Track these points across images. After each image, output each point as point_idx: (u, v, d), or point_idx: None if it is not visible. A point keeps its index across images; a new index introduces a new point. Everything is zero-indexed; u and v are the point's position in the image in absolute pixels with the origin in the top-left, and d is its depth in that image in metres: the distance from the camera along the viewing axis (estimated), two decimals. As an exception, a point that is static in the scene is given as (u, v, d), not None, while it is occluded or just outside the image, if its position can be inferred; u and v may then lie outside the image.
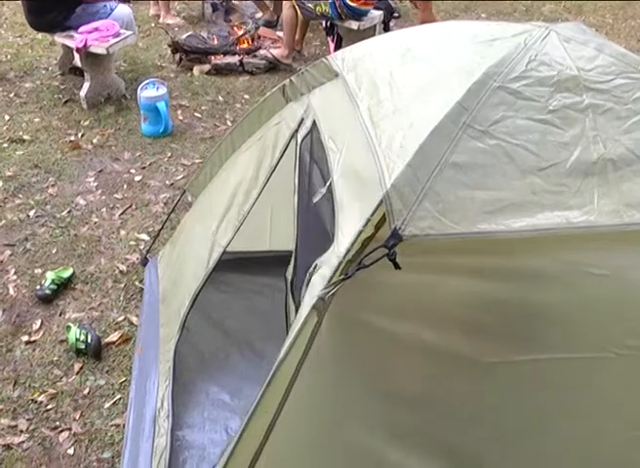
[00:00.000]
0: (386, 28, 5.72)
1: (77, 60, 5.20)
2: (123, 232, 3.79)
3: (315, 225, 1.94)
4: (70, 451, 2.56)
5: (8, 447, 2.58)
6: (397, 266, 1.31)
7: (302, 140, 2.28)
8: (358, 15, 5.50)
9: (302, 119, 2.32)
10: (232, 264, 2.84)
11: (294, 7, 5.63)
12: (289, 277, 2.67)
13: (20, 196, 4.13)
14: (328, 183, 1.77)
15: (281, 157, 2.40)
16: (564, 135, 1.57)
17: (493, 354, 1.49)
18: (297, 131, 2.33)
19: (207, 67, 5.86)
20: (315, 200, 1.89)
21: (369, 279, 1.37)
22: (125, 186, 4.25)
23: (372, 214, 1.39)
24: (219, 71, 5.83)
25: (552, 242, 1.47)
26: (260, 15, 6.66)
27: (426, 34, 2.13)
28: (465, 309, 1.45)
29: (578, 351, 1.54)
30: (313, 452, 1.60)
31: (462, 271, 1.43)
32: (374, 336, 1.45)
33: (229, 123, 5.04)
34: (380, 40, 2.34)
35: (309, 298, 1.40)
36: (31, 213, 3.97)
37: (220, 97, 5.46)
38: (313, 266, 1.48)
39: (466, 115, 1.51)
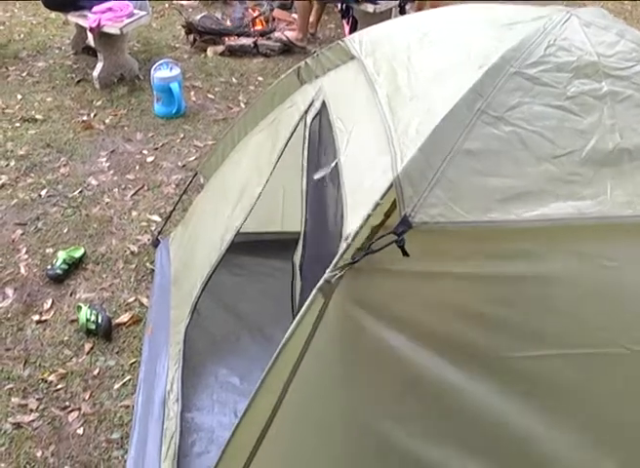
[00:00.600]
0: (402, 11, 5.65)
1: (90, 40, 5.20)
2: (134, 213, 3.79)
3: (324, 208, 1.92)
4: (79, 431, 2.58)
5: (18, 425, 2.59)
6: (405, 253, 1.29)
7: (312, 122, 2.27)
8: (374, -3, 5.45)
9: (313, 100, 2.30)
10: (245, 247, 2.83)
11: (309, -11, 5.59)
12: (297, 261, 2.66)
13: (32, 175, 4.13)
14: (334, 163, 1.75)
15: (289, 139, 2.38)
16: (581, 122, 1.54)
17: (500, 348, 1.47)
18: (306, 112, 2.32)
19: (221, 49, 5.83)
20: (316, 177, 1.87)
21: (376, 265, 1.36)
22: (137, 167, 4.24)
23: (381, 199, 1.37)
24: (232, 53, 5.80)
25: (564, 232, 1.44)
26: (274, -4, 6.62)
27: (444, 18, 2.10)
28: (472, 300, 1.44)
29: (588, 346, 1.51)
30: (319, 433, 1.59)
31: (471, 261, 1.41)
32: (379, 322, 1.44)
33: (243, 105, 5.02)
34: (397, 23, 2.32)
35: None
36: (43, 192, 3.97)
37: (234, 79, 5.43)
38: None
39: (481, 101, 1.48)
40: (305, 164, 2.32)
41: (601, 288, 1.47)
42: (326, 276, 1.36)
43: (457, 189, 1.38)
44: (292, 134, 2.36)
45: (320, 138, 2.12)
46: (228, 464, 1.58)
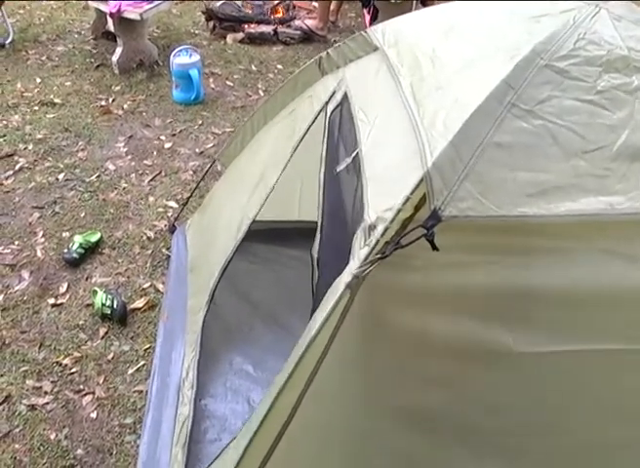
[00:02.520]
0: (424, 2, 5.61)
1: (110, 25, 5.18)
2: (151, 198, 3.79)
3: (342, 199, 1.91)
4: (93, 415, 2.58)
5: (32, 407, 2.61)
6: (435, 247, 1.28)
7: (332, 113, 2.25)
8: (395, -13, 5.40)
9: (334, 92, 2.28)
10: (261, 235, 2.83)
11: (330, -23, 5.56)
12: (315, 254, 2.65)
13: (50, 159, 4.14)
14: (354, 154, 1.73)
15: (308, 129, 2.37)
16: (611, 117, 1.51)
17: (526, 343, 1.45)
18: (327, 103, 2.30)
19: (240, 36, 5.81)
20: (339, 169, 1.85)
21: (405, 259, 1.34)
22: (155, 153, 4.24)
23: (411, 193, 1.35)
24: (252, 40, 5.79)
25: (594, 228, 1.43)
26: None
27: (470, 9, 2.06)
28: (499, 296, 1.42)
29: (611, 343, 1.50)
30: (340, 430, 1.58)
31: (499, 255, 1.40)
32: (405, 317, 1.43)
33: (261, 92, 5.00)
34: (422, 15, 2.28)
35: (345, 276, 1.37)
36: (60, 176, 3.98)
37: (253, 67, 5.42)
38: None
39: (512, 94, 1.46)
40: (324, 155, 2.30)
41: (628, 284, 1.45)
42: (355, 272, 1.35)
43: (486, 183, 1.36)
44: (311, 124, 2.34)
45: (340, 130, 2.10)
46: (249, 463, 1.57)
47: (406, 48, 1.95)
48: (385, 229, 1.36)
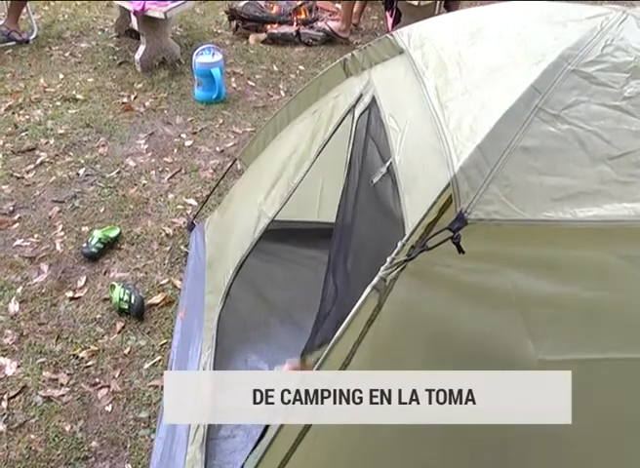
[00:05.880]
0: (447, 6, 5.61)
1: (134, 23, 5.21)
2: (171, 196, 3.81)
3: (374, 205, 1.90)
4: (108, 409, 2.60)
5: (48, 399, 2.62)
6: (461, 250, 1.28)
7: (359, 116, 2.25)
8: (419, -10, 5.40)
9: (361, 94, 2.28)
10: (279, 234, 2.84)
11: (354, -20, 5.56)
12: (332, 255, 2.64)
13: (71, 154, 4.17)
14: (388, 163, 1.74)
15: (335, 131, 2.37)
16: (637, 123, 1.51)
17: (547, 350, 1.45)
18: (354, 106, 2.30)
19: (263, 36, 5.83)
20: (375, 180, 1.85)
21: (430, 262, 1.34)
22: (175, 150, 4.26)
23: (438, 197, 1.36)
24: (274, 41, 5.81)
25: (618, 235, 1.42)
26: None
27: (497, 13, 2.07)
28: (524, 299, 1.42)
29: (633, 351, 1.49)
30: (361, 435, 1.57)
31: (524, 259, 1.40)
32: (430, 323, 1.43)
33: (283, 93, 5.02)
34: (448, 18, 2.29)
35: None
36: (81, 171, 4.01)
37: (275, 67, 5.43)
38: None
39: (539, 98, 1.46)
40: (350, 158, 2.30)
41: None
42: (381, 274, 1.35)
43: (513, 186, 1.36)
44: (337, 126, 2.34)
45: (370, 135, 2.10)
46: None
47: (432, 51, 1.95)
48: (412, 233, 1.36)
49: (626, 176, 1.43)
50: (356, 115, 2.28)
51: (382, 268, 1.36)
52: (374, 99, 2.13)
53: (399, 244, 1.37)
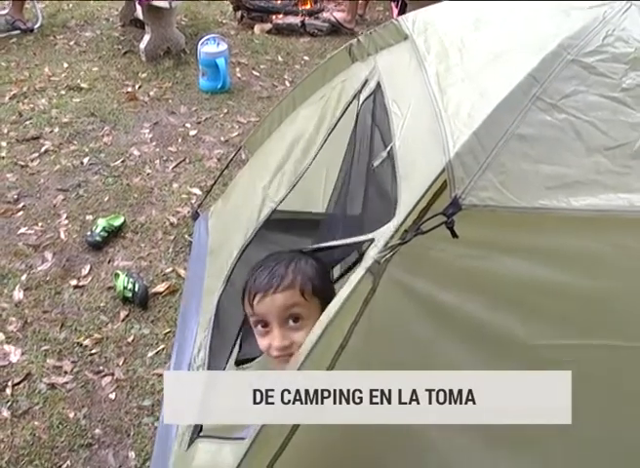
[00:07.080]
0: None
1: (139, 13, 5.23)
2: (175, 185, 3.82)
3: (373, 191, 1.91)
4: (112, 396, 2.62)
5: (52, 386, 2.65)
6: (455, 235, 1.28)
7: (364, 102, 2.25)
8: (424, -20, 5.39)
9: (367, 80, 2.28)
10: (281, 224, 2.83)
11: (359, -30, 5.55)
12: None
13: (75, 143, 4.19)
14: (389, 148, 1.74)
15: (341, 117, 2.37)
16: (634, 115, 1.50)
17: (537, 335, 1.45)
18: (360, 91, 2.29)
19: (268, 26, 5.83)
20: (376, 164, 1.86)
21: (424, 246, 1.35)
22: (179, 140, 4.27)
23: (433, 182, 1.36)
24: (279, 31, 5.81)
25: (612, 224, 1.42)
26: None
27: (500, 1, 2.06)
28: (516, 285, 1.42)
29: (627, 340, 1.50)
30: (358, 436, 1.58)
31: (518, 246, 1.40)
32: (424, 308, 1.43)
33: (287, 83, 5.02)
34: (452, 5, 2.28)
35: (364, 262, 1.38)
36: (85, 160, 4.03)
37: (280, 58, 5.44)
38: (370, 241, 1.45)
39: (537, 87, 1.46)
40: (354, 144, 2.30)
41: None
42: (375, 256, 1.35)
43: (508, 174, 1.36)
44: (343, 112, 2.34)
45: (374, 120, 2.10)
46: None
47: (434, 36, 1.95)
48: (406, 217, 1.36)
49: (622, 167, 1.43)
50: (361, 100, 2.28)
51: (376, 251, 1.36)
52: (378, 85, 2.13)
53: (391, 227, 1.37)
